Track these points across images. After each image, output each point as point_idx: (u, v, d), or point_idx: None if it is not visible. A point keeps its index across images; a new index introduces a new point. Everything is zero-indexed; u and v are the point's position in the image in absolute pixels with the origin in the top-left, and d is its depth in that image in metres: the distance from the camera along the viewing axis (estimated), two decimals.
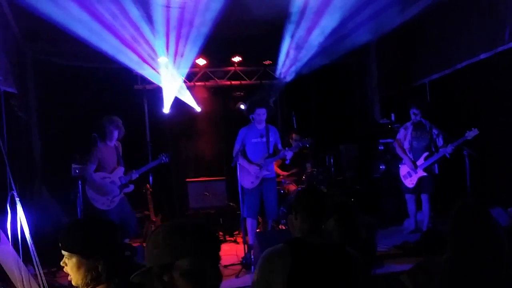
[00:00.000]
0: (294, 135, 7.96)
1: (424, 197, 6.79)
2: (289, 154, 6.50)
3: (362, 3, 7.24)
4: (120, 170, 6.16)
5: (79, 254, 2.11)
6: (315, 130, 9.22)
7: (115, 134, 6.14)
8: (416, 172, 6.75)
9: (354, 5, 7.28)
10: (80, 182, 5.61)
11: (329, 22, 7.85)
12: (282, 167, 7.77)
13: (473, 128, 6.08)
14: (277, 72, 9.61)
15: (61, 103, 8.39)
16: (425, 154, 6.71)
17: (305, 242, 2.51)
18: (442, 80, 7.60)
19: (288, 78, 9.36)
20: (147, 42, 7.93)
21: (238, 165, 6.14)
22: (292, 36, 8.41)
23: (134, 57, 8.12)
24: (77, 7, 6.65)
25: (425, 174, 6.69)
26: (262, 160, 6.37)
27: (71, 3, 6.53)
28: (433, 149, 6.75)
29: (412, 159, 6.82)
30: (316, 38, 8.38)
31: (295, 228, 2.66)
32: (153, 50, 8.20)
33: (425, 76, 7.99)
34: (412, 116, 6.81)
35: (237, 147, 6.25)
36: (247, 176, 6.29)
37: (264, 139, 6.36)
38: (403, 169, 6.96)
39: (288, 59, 9.21)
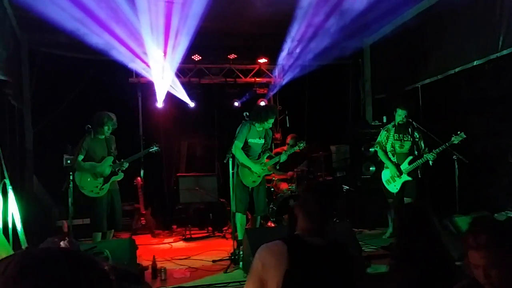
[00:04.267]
0: (289, 138, 8.06)
1: (408, 201, 6.61)
2: (283, 158, 6.65)
3: (358, 7, 7.29)
4: (109, 159, 6.18)
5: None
6: (308, 130, 9.31)
7: (108, 129, 6.18)
8: (400, 177, 6.66)
9: (350, 9, 7.33)
10: (71, 172, 5.62)
11: (325, 24, 7.91)
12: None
13: (459, 132, 6.10)
14: (272, 71, 9.67)
15: (55, 94, 8.39)
16: (409, 158, 6.60)
17: (305, 242, 2.37)
18: (434, 85, 7.67)
19: (284, 79, 9.42)
20: (141, 36, 7.92)
21: (236, 162, 6.19)
22: (289, 37, 8.45)
23: (127, 50, 8.14)
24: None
25: (409, 178, 6.57)
26: (261, 160, 6.44)
27: None
28: (416, 153, 6.66)
29: (396, 162, 6.71)
30: (313, 39, 8.45)
31: (297, 224, 2.49)
32: (147, 44, 8.20)
33: (417, 80, 8.06)
34: (397, 117, 6.71)
35: (239, 143, 6.24)
36: (249, 175, 6.33)
37: (263, 141, 6.43)
38: (386, 174, 6.82)
39: (284, 60, 9.28)
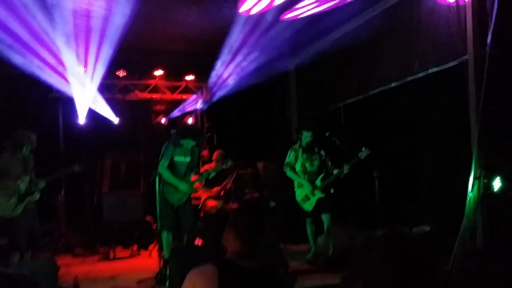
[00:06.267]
0: (216, 154, 8.05)
1: (325, 217, 6.73)
2: (211, 175, 6.76)
3: (283, 31, 7.52)
4: (26, 178, 5.88)
5: None
6: (235, 147, 9.38)
7: (27, 149, 5.90)
8: (314, 194, 6.72)
9: (277, 32, 7.54)
10: None
11: (252, 45, 8.08)
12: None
13: (364, 148, 6.34)
14: (200, 89, 9.69)
15: None
16: (321, 175, 6.77)
17: (235, 265, 2.37)
18: (356, 105, 8.00)
19: (212, 97, 9.47)
20: (60, 51, 7.70)
21: (162, 180, 6.10)
22: (217, 55, 8.53)
23: (45, 65, 7.89)
24: None
25: (322, 195, 6.71)
26: (187, 178, 6.37)
27: None
28: (324, 171, 6.84)
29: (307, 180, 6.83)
30: (240, 59, 8.59)
31: (228, 246, 2.49)
32: (66, 59, 7.98)
33: (340, 100, 8.38)
34: (303, 139, 6.84)
35: (165, 161, 6.16)
36: (175, 192, 6.25)
37: (188, 159, 6.39)
38: (300, 193, 6.89)
39: (212, 77, 9.34)
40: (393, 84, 6.92)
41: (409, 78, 6.58)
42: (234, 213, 2.64)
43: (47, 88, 8.40)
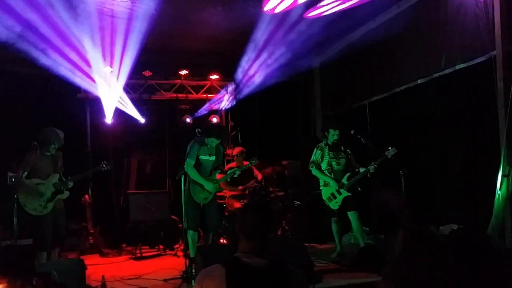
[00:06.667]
0: (236, 151, 8.08)
1: (353, 215, 6.64)
2: (236, 174, 6.73)
3: (308, 28, 7.49)
4: (55, 176, 5.99)
5: (9, 276, 2.13)
6: (260, 146, 9.38)
7: (55, 146, 6.01)
8: (340, 193, 6.63)
9: (302, 29, 7.51)
10: (16, 193, 5.42)
11: (277, 43, 8.07)
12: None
13: (390, 148, 6.24)
14: (224, 88, 9.72)
15: None
16: (347, 174, 6.68)
17: (243, 264, 2.36)
18: (381, 102, 7.92)
19: (236, 96, 9.49)
20: (86, 51, 7.82)
21: (188, 179, 6.14)
22: (241, 54, 8.54)
23: (73, 66, 8.02)
24: (18, 12, 6.52)
25: (349, 194, 6.62)
26: (212, 177, 6.40)
27: (12, 8, 6.39)
28: (350, 169, 6.75)
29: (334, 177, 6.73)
30: (265, 58, 8.59)
31: (239, 245, 2.49)
32: (92, 60, 8.10)
33: (365, 98, 8.30)
34: (330, 137, 6.75)
35: (191, 161, 6.20)
36: (201, 192, 6.28)
37: (213, 158, 6.40)
38: (326, 191, 6.82)
39: (236, 76, 9.35)
40: (419, 81, 6.84)
41: (435, 75, 6.49)
42: (240, 211, 2.64)
43: (75, 88, 8.55)
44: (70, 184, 6.07)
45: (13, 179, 5.95)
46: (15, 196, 5.37)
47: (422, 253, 2.36)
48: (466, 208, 6.08)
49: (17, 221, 5.33)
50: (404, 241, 2.46)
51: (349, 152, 6.82)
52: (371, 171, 6.43)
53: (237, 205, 7.94)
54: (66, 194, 6.09)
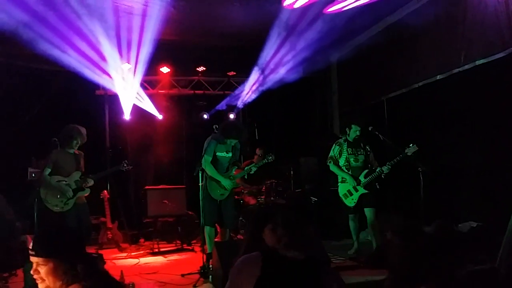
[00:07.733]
0: (258, 150, 8.11)
1: (369, 212, 6.58)
2: (252, 170, 6.72)
3: (325, 25, 7.45)
4: (77, 174, 6.07)
5: (56, 258, 2.18)
6: (276, 142, 9.38)
7: (77, 142, 6.08)
8: (357, 190, 6.60)
9: (319, 25, 7.48)
10: (38, 187, 5.50)
11: (295, 40, 8.05)
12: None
13: (411, 145, 6.14)
14: (242, 84, 9.72)
15: (18, 105, 8.21)
16: (365, 171, 6.64)
17: (280, 255, 2.42)
18: (399, 98, 7.85)
19: (253, 92, 9.49)
20: (103, 48, 7.88)
21: (205, 175, 6.18)
22: (259, 51, 8.53)
23: (90, 63, 8.10)
24: (37, 10, 6.60)
25: (366, 191, 6.57)
26: (229, 173, 6.42)
27: (31, 7, 6.47)
28: (368, 166, 6.72)
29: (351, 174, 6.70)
30: (282, 54, 8.57)
31: (271, 239, 2.53)
32: (109, 56, 8.16)
33: (383, 94, 8.24)
34: (352, 133, 6.71)
35: (208, 157, 6.24)
36: (217, 188, 6.31)
37: (230, 155, 6.42)
38: (343, 188, 6.73)
39: (254, 73, 9.35)
40: (438, 77, 6.77)
41: (455, 71, 6.41)
42: (283, 207, 2.73)
43: (94, 85, 8.64)
44: (90, 182, 6.15)
45: (33, 175, 6.06)
46: (38, 190, 5.42)
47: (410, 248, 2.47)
48: (486, 205, 6.01)
49: (37, 216, 5.40)
50: (393, 237, 2.56)
51: (369, 149, 6.78)
52: (385, 172, 6.38)
53: (253, 201, 7.96)
54: (87, 191, 6.17)
